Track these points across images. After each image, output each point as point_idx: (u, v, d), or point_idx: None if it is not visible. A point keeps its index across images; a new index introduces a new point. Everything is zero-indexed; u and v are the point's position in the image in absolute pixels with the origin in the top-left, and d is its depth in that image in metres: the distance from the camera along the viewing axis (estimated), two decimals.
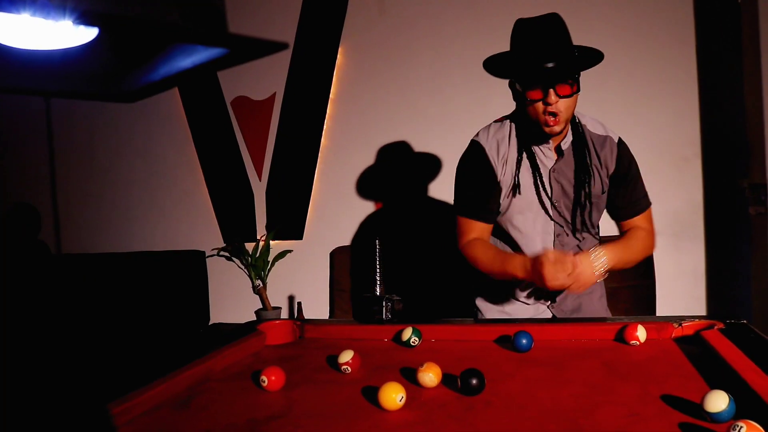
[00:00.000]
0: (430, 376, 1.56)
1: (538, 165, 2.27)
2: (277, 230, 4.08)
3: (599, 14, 3.76)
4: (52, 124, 4.69)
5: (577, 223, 2.34)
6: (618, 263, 2.26)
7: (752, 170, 3.43)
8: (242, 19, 4.17)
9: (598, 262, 2.18)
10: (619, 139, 2.36)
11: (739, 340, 1.67)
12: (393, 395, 1.41)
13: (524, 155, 2.28)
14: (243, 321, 2.46)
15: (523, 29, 2.17)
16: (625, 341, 1.88)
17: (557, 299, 2.44)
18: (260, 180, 4.30)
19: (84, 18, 0.65)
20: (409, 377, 1.64)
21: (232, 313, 4.27)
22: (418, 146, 3.99)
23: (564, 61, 2.08)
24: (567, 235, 2.37)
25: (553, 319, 2.42)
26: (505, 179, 2.30)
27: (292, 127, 4.21)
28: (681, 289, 3.74)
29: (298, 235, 4.24)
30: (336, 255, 4.05)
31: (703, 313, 3.71)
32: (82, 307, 4.26)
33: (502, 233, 2.43)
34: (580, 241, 2.39)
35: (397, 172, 4.06)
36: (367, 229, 4.09)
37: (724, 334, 1.75)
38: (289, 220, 4.24)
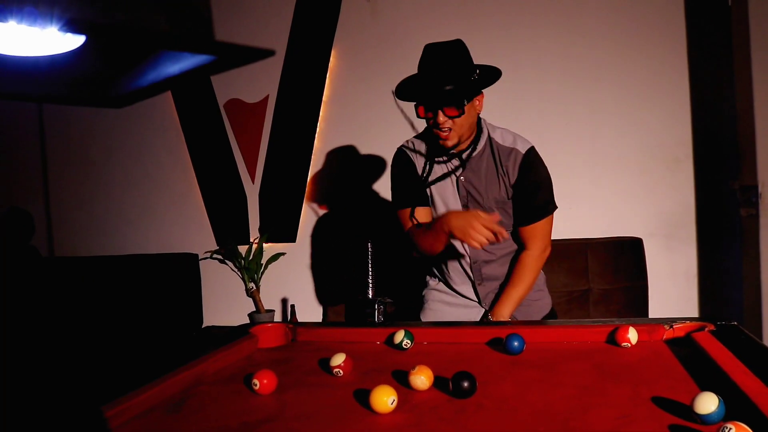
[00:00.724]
0: (421, 378, 1.56)
1: (444, 175, 2.54)
2: (271, 233, 4.07)
3: (591, 16, 3.77)
4: (45, 127, 4.68)
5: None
6: (516, 305, 2.55)
7: (743, 172, 3.45)
8: (235, 21, 4.16)
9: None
10: (528, 149, 2.50)
11: (730, 342, 1.68)
12: (384, 398, 1.41)
13: (430, 167, 2.56)
14: (236, 324, 2.45)
15: (424, 53, 2.39)
16: (617, 343, 1.89)
17: (484, 302, 2.66)
18: (253, 183, 4.30)
19: (71, 26, 0.65)
20: (400, 380, 1.64)
21: (225, 315, 4.26)
22: None
23: (451, 85, 2.29)
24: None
25: (546, 322, 2.47)
26: (436, 190, 2.58)
27: (285, 129, 4.21)
28: (673, 291, 3.75)
29: (291, 237, 4.24)
30: (329, 258, 4.05)
31: (696, 314, 3.73)
32: (75, 310, 4.25)
33: None
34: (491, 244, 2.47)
35: (389, 174, 4.06)
36: (359, 231, 4.09)
37: (714, 336, 1.76)
38: (283, 223, 4.24)
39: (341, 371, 1.73)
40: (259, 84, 4.20)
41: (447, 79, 2.30)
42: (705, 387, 1.36)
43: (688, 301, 3.75)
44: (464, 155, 2.51)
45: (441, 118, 2.32)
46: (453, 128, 2.35)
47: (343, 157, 4.14)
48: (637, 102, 3.75)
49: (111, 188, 4.62)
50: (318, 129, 4.16)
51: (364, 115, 4.10)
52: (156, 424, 1.46)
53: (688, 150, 3.71)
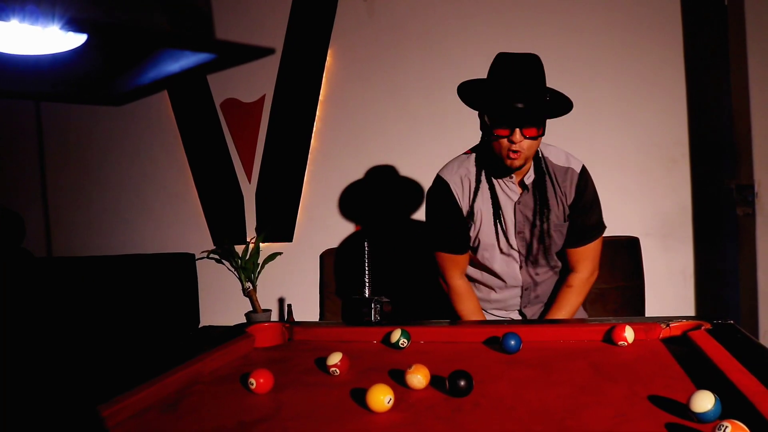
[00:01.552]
0: (418, 377, 1.56)
1: (498, 197, 2.39)
2: (267, 232, 4.07)
3: (588, 15, 3.78)
4: (43, 127, 4.67)
5: (533, 251, 2.43)
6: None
7: (739, 171, 3.45)
8: (232, 21, 4.16)
9: None
10: (582, 167, 2.43)
11: (726, 341, 1.68)
12: (381, 397, 1.41)
13: (482, 185, 2.39)
14: (233, 323, 2.45)
15: (501, 64, 2.22)
16: (613, 342, 1.89)
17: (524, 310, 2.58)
18: (250, 182, 4.30)
19: (72, 24, 0.65)
20: (397, 379, 1.64)
21: (222, 315, 4.26)
22: (408, 148, 3.99)
23: (534, 105, 2.15)
24: (528, 265, 2.48)
25: (542, 321, 2.46)
26: (481, 216, 2.42)
27: (281, 129, 4.20)
28: (670, 290, 3.75)
29: (287, 237, 4.24)
30: (326, 257, 4.05)
31: (692, 313, 3.73)
32: (71, 309, 4.24)
33: (478, 264, 2.54)
34: (536, 274, 2.50)
35: (387, 173, 4.06)
36: (356, 231, 4.10)
37: (711, 335, 1.76)
38: (279, 223, 4.24)
39: (338, 370, 1.72)
40: (255, 83, 4.20)
41: (532, 97, 2.16)
42: (701, 385, 1.36)
43: (685, 299, 3.75)
44: (526, 179, 2.37)
45: (518, 137, 2.16)
46: (523, 151, 2.20)
47: (340, 156, 4.13)
48: (634, 101, 3.75)
49: (108, 188, 4.62)
50: (314, 128, 4.15)
51: (360, 114, 4.10)
52: (152, 423, 1.46)
53: (684, 149, 3.72)
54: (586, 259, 2.50)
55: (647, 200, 3.77)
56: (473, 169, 2.41)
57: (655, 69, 3.72)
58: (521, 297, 2.54)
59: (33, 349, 4.11)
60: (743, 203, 3.39)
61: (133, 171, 4.54)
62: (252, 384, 1.61)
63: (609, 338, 1.92)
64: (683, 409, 1.28)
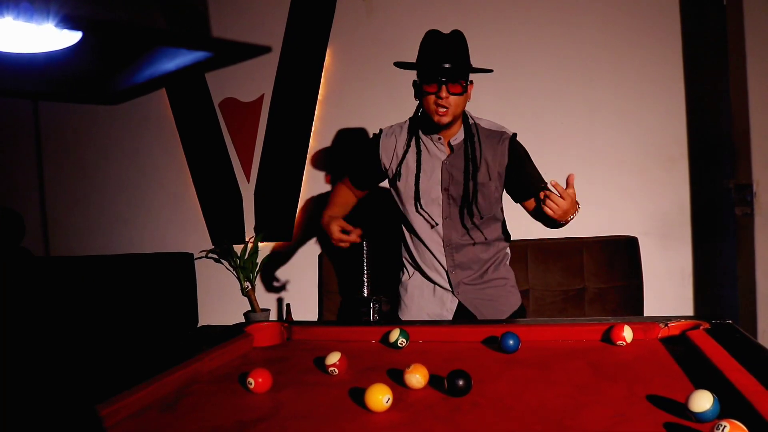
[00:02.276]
0: (417, 377, 1.56)
1: (421, 159, 2.69)
2: (266, 232, 4.07)
3: (586, 15, 3.77)
4: (40, 126, 4.67)
5: (467, 206, 2.66)
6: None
7: (738, 171, 3.45)
8: (230, 20, 4.15)
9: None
10: (513, 134, 2.69)
11: (725, 340, 1.68)
12: (379, 397, 1.41)
13: (412, 149, 2.71)
14: (232, 323, 2.45)
15: (429, 36, 2.57)
16: (612, 342, 1.89)
17: (456, 290, 2.75)
18: (248, 182, 4.29)
19: (67, 22, 0.65)
20: (396, 378, 1.64)
21: (220, 315, 4.26)
22: None
23: (456, 63, 2.48)
24: (455, 220, 2.70)
25: (539, 320, 2.48)
26: (397, 167, 2.75)
27: (280, 128, 4.20)
28: (668, 289, 3.75)
29: (286, 236, 4.24)
30: (324, 257, 4.05)
31: (691, 313, 3.73)
32: (70, 309, 4.24)
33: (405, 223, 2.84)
34: (468, 228, 2.70)
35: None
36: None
37: (709, 335, 1.76)
38: (278, 222, 4.23)
39: (336, 370, 1.73)
40: (254, 83, 4.20)
41: (453, 57, 2.48)
42: (700, 385, 1.36)
43: (683, 299, 3.75)
44: (452, 140, 2.66)
45: (444, 93, 2.46)
46: (450, 107, 2.49)
47: (339, 156, 4.13)
48: (633, 101, 3.75)
49: (106, 187, 4.61)
50: (313, 128, 4.15)
51: (359, 114, 4.09)
52: (151, 423, 1.46)
53: (683, 149, 3.72)
54: None
55: (646, 200, 3.77)
56: (405, 128, 2.77)
57: (653, 68, 3.72)
58: (444, 257, 2.72)
59: (32, 348, 4.11)
60: (742, 203, 3.39)
61: (132, 170, 4.54)
62: (251, 383, 1.61)
63: (607, 338, 1.93)
64: (682, 409, 1.28)
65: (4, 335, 4.05)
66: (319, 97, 4.12)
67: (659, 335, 1.93)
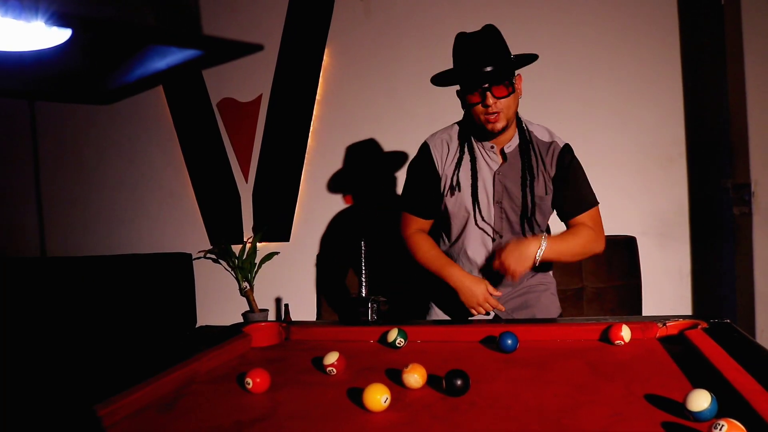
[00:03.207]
0: (415, 377, 1.56)
1: (476, 168, 2.46)
2: (264, 232, 4.06)
3: (585, 15, 3.77)
4: (37, 126, 4.66)
5: (523, 223, 2.49)
6: (556, 254, 2.40)
7: (736, 170, 3.46)
8: (228, 20, 4.15)
9: (536, 247, 2.34)
10: (565, 144, 2.49)
11: (722, 340, 1.68)
12: (378, 396, 1.41)
13: (465, 157, 2.48)
14: (230, 323, 2.45)
15: (460, 41, 2.38)
16: (610, 341, 1.89)
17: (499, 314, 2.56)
18: (247, 182, 4.29)
19: (57, 19, 0.65)
20: (394, 378, 1.64)
21: (219, 315, 4.25)
22: (406, 147, 3.99)
23: (495, 64, 2.28)
24: (508, 236, 2.50)
25: (538, 320, 2.46)
26: (449, 178, 2.50)
27: (278, 128, 4.20)
28: (666, 289, 3.75)
29: (285, 236, 4.23)
30: (322, 257, 4.05)
31: (689, 312, 3.73)
32: (68, 310, 4.24)
33: (448, 237, 2.63)
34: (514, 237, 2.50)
35: (384, 172, 4.06)
36: (353, 230, 4.09)
37: (707, 334, 1.76)
38: (276, 222, 4.23)
39: (334, 370, 1.73)
40: (252, 83, 4.20)
41: (491, 59, 2.29)
42: (698, 384, 1.36)
43: (682, 299, 3.76)
44: (506, 148, 2.45)
45: (490, 99, 2.29)
46: (501, 111, 2.31)
47: (337, 156, 4.13)
48: (631, 101, 3.75)
49: (104, 188, 4.61)
50: (311, 128, 4.15)
51: (357, 113, 4.09)
52: (149, 423, 1.46)
53: (681, 149, 3.72)
54: (590, 224, 2.53)
55: (644, 199, 3.77)
56: (455, 135, 2.52)
57: (652, 68, 3.72)
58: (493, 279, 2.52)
59: (30, 349, 4.11)
60: (740, 202, 3.40)
61: (130, 171, 4.54)
62: (249, 383, 1.61)
63: (606, 337, 1.93)
64: (680, 408, 1.28)
65: (3, 336, 4.05)
66: (317, 96, 4.12)
67: (657, 335, 1.93)
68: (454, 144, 2.50)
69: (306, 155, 4.16)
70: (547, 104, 3.83)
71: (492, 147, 2.45)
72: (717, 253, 3.68)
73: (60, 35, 0.79)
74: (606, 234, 3.70)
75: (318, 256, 4.10)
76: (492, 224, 2.48)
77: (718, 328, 1.83)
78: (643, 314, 3.54)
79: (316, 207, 4.20)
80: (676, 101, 3.71)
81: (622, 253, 3.61)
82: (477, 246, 2.53)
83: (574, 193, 2.49)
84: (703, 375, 1.51)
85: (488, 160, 2.46)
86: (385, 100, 4.02)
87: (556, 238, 2.42)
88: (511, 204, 2.46)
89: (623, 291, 3.56)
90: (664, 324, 1.93)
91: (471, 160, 2.46)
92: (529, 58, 2.37)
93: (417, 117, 3.96)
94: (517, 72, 2.41)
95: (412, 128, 3.97)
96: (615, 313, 3.51)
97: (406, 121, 3.99)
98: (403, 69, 4.01)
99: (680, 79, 3.70)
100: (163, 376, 1.65)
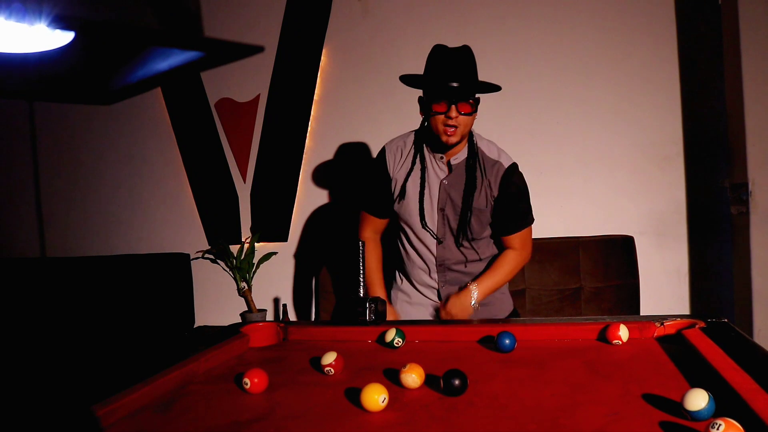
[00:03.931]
0: (412, 377, 1.56)
1: (425, 176, 2.64)
2: (262, 232, 4.07)
3: (582, 15, 3.78)
4: (36, 126, 4.66)
5: (461, 230, 2.65)
6: (489, 290, 2.67)
7: (733, 170, 3.46)
8: (226, 21, 4.15)
9: (470, 297, 2.61)
10: (511, 164, 2.65)
11: (720, 339, 1.69)
12: (375, 396, 1.41)
13: (416, 166, 2.66)
14: (228, 323, 2.45)
15: (437, 52, 2.52)
16: (608, 341, 1.90)
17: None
18: (245, 182, 4.29)
19: (59, 22, 0.65)
20: (392, 378, 1.64)
21: (217, 315, 4.25)
22: None
23: (466, 82, 2.43)
24: (449, 241, 2.70)
25: (536, 320, 2.48)
26: (400, 183, 2.70)
27: (276, 128, 4.20)
28: (664, 288, 3.76)
29: (283, 237, 4.23)
30: (320, 257, 4.05)
31: (686, 311, 3.73)
32: (66, 310, 4.24)
33: (402, 237, 2.83)
34: (462, 249, 2.70)
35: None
36: (351, 230, 4.09)
37: (705, 333, 1.76)
38: (274, 222, 4.23)
39: (332, 370, 1.72)
40: (249, 83, 4.19)
41: (463, 75, 2.43)
42: (695, 384, 1.36)
43: (679, 298, 3.76)
44: (453, 160, 2.62)
45: (453, 113, 2.42)
46: (459, 126, 2.45)
47: (335, 156, 4.13)
48: (628, 100, 3.76)
49: (102, 188, 4.61)
50: (309, 128, 4.15)
51: (355, 114, 4.09)
52: (147, 423, 1.45)
53: (678, 148, 3.72)
54: (519, 244, 2.73)
55: (642, 199, 3.78)
56: (410, 143, 2.71)
57: (649, 68, 3.72)
58: (437, 274, 2.74)
59: (29, 349, 4.10)
60: (737, 202, 3.40)
61: (128, 171, 4.53)
62: (246, 384, 1.60)
63: (603, 337, 1.93)
64: (677, 408, 1.28)
65: (3, 336, 4.05)
66: (315, 97, 4.12)
67: (655, 334, 1.93)
68: (407, 151, 2.69)
69: (304, 155, 4.16)
70: (545, 104, 3.83)
71: (441, 158, 2.62)
72: (714, 252, 3.68)
73: (63, 37, 0.79)
74: (604, 234, 3.72)
75: (316, 256, 4.10)
76: (434, 229, 2.66)
77: (716, 328, 1.83)
78: (641, 314, 3.55)
79: (314, 207, 4.20)
80: (673, 101, 3.71)
81: (620, 252, 3.61)
82: (422, 247, 2.73)
83: (511, 215, 2.68)
84: (701, 374, 1.51)
85: (436, 170, 2.64)
86: (382, 100, 4.02)
87: (484, 279, 2.67)
88: (453, 212, 2.64)
89: (621, 291, 3.57)
90: (662, 323, 1.94)
91: (421, 169, 2.64)
92: (493, 87, 2.52)
93: (414, 117, 3.94)
94: (478, 96, 2.53)
95: (409, 128, 3.97)
96: (613, 312, 3.52)
97: (403, 122, 3.97)
98: (401, 69, 3.97)
99: (677, 79, 3.70)
100: (161, 376, 1.65)
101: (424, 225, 2.65)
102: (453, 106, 2.41)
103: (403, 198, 2.67)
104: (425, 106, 2.53)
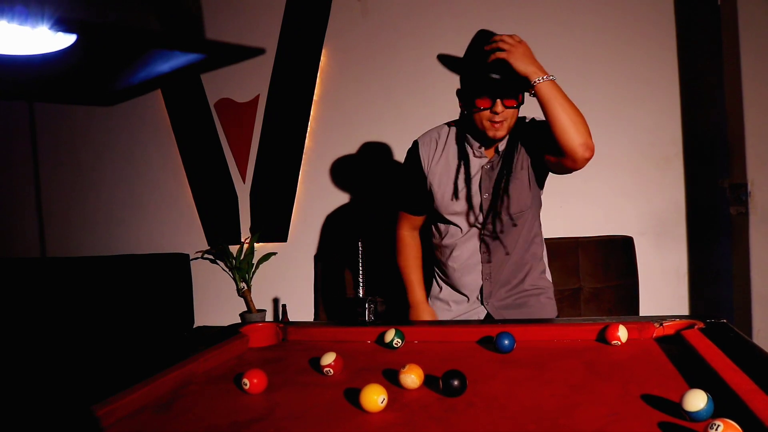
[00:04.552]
0: (412, 377, 1.56)
1: (470, 173, 2.48)
2: (262, 233, 4.06)
3: (581, 15, 3.78)
4: (36, 127, 4.66)
5: (495, 214, 2.50)
6: (556, 90, 2.32)
7: (733, 170, 3.46)
8: (225, 22, 4.15)
9: (537, 65, 2.27)
10: (523, 119, 2.50)
11: (719, 340, 1.69)
12: (374, 397, 1.41)
13: (453, 156, 2.51)
14: (228, 324, 2.45)
15: (482, 39, 2.31)
16: (607, 341, 1.90)
17: (486, 300, 2.61)
18: (244, 182, 4.29)
19: (62, 25, 0.65)
20: (391, 379, 1.64)
21: (216, 316, 4.25)
22: (403, 147, 3.99)
23: (513, 76, 2.23)
24: (488, 227, 2.54)
25: (535, 320, 2.46)
26: (438, 178, 2.53)
27: (276, 129, 4.20)
28: (663, 289, 3.76)
29: (282, 237, 4.23)
30: (320, 257, 4.05)
31: (686, 312, 3.73)
32: (66, 310, 4.24)
33: (439, 225, 2.65)
34: (502, 233, 2.53)
35: (382, 173, 4.06)
36: (350, 230, 4.09)
37: (704, 334, 1.76)
38: (274, 223, 4.23)
39: (332, 370, 1.73)
40: (249, 83, 4.19)
41: (506, 68, 2.23)
42: (694, 384, 1.36)
43: (679, 299, 3.76)
44: (500, 146, 2.48)
45: (499, 107, 2.27)
46: (506, 120, 2.31)
47: (334, 156, 4.13)
48: (628, 101, 3.76)
49: (102, 188, 4.61)
50: (309, 128, 4.15)
51: (355, 114, 4.09)
52: (146, 423, 1.45)
53: (678, 149, 3.72)
54: None
55: (641, 199, 3.78)
56: (444, 135, 2.55)
57: (648, 68, 3.73)
58: (481, 265, 2.58)
59: (28, 349, 4.10)
60: (736, 202, 3.40)
61: (127, 171, 4.53)
62: (246, 384, 1.61)
63: (602, 337, 1.93)
64: (676, 408, 1.29)
65: (2, 336, 4.05)
66: (315, 97, 4.12)
67: (654, 335, 1.94)
68: (442, 142, 2.54)
69: (303, 156, 4.16)
70: None
71: (480, 147, 2.47)
72: (714, 253, 3.69)
73: (65, 40, 0.80)
74: (603, 234, 3.72)
75: (315, 256, 4.10)
76: (476, 216, 2.52)
77: (715, 328, 1.83)
78: (640, 314, 3.55)
79: (314, 207, 4.20)
80: (672, 101, 3.71)
81: (619, 253, 3.61)
82: (464, 244, 2.59)
83: (544, 131, 2.39)
84: (700, 375, 1.51)
85: (475, 159, 2.49)
86: (382, 100, 4.03)
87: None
88: (490, 196, 2.49)
89: (620, 291, 3.57)
90: (661, 324, 1.94)
91: (459, 159, 2.49)
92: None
93: (414, 117, 3.96)
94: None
95: (409, 128, 3.96)
96: (612, 313, 3.52)
97: (403, 122, 3.99)
98: (401, 69, 4.01)
99: (677, 79, 3.71)
100: (161, 376, 1.65)
101: (467, 218, 2.52)
102: (498, 101, 2.26)
103: (441, 190, 2.52)
104: (466, 99, 2.35)
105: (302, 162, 4.17)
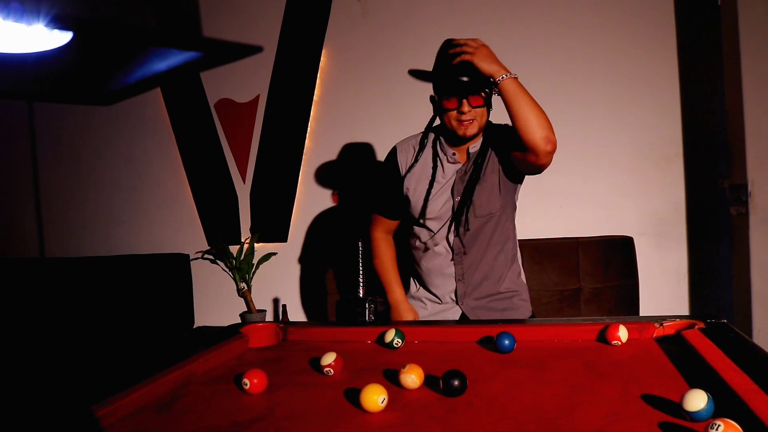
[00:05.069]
0: (412, 377, 1.56)
1: (445, 178, 2.58)
2: (262, 233, 4.07)
3: (581, 15, 3.78)
4: (35, 127, 4.66)
5: (466, 217, 2.56)
6: (518, 87, 2.38)
7: (733, 170, 3.46)
8: (225, 21, 4.15)
9: (500, 65, 2.37)
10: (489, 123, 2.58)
11: (719, 340, 1.69)
12: (375, 397, 1.41)
13: (428, 162, 2.61)
14: (228, 324, 2.45)
15: (448, 46, 2.44)
16: (607, 341, 1.90)
17: (461, 301, 2.65)
18: (244, 182, 4.29)
19: (58, 22, 0.65)
20: (391, 379, 1.64)
21: (216, 316, 4.25)
22: None
23: (475, 76, 2.35)
24: (462, 235, 2.60)
25: (536, 320, 2.46)
26: (414, 183, 2.63)
27: (276, 129, 4.20)
28: (664, 289, 3.76)
29: (282, 237, 4.23)
30: (320, 257, 4.04)
31: (686, 312, 3.73)
32: (66, 310, 4.24)
33: (414, 227, 2.72)
34: (472, 236, 2.59)
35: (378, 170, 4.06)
36: (350, 231, 4.09)
37: (704, 334, 1.76)
38: (274, 223, 4.23)
39: (332, 370, 1.73)
40: (249, 83, 4.20)
41: (470, 70, 2.35)
42: (694, 384, 1.36)
43: (679, 299, 3.76)
44: (471, 148, 2.57)
45: (465, 107, 2.39)
46: (475, 118, 2.42)
47: (334, 156, 4.13)
48: (628, 101, 3.76)
49: (102, 188, 4.61)
50: (309, 129, 4.15)
51: (354, 114, 4.09)
52: (146, 423, 1.45)
53: (678, 149, 3.72)
54: None
55: (641, 199, 3.78)
56: (421, 141, 2.67)
57: (648, 68, 3.73)
58: (453, 267, 2.63)
59: (28, 349, 4.10)
60: (737, 202, 3.40)
61: (127, 171, 4.53)
62: (246, 384, 1.61)
63: (603, 337, 1.93)
64: (676, 408, 1.29)
65: (2, 336, 4.05)
66: (315, 97, 4.12)
67: (654, 335, 1.93)
68: (420, 149, 2.65)
69: (303, 156, 4.16)
70: (544, 104, 3.82)
71: (453, 154, 2.57)
72: (714, 253, 3.69)
73: (62, 38, 0.79)
74: (603, 234, 3.72)
75: (315, 256, 4.10)
76: (449, 220, 2.59)
77: (715, 329, 1.83)
78: (640, 314, 3.55)
79: (314, 208, 4.20)
80: (673, 101, 3.71)
81: (619, 253, 3.61)
82: (436, 246, 2.65)
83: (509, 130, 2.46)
84: (700, 375, 1.51)
85: (451, 162, 2.58)
86: (382, 100, 4.03)
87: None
88: (463, 200, 2.56)
89: (620, 291, 3.57)
90: (661, 324, 1.94)
91: (434, 165, 2.60)
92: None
93: (414, 117, 3.94)
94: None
95: (409, 129, 3.96)
96: (612, 313, 3.52)
97: (403, 122, 3.97)
98: (401, 70, 3.98)
99: (677, 79, 3.71)
100: (161, 376, 1.65)
101: (423, 220, 2.60)
102: (464, 101, 2.39)
103: (415, 195, 2.61)
104: (437, 104, 2.50)
105: (302, 162, 4.17)
